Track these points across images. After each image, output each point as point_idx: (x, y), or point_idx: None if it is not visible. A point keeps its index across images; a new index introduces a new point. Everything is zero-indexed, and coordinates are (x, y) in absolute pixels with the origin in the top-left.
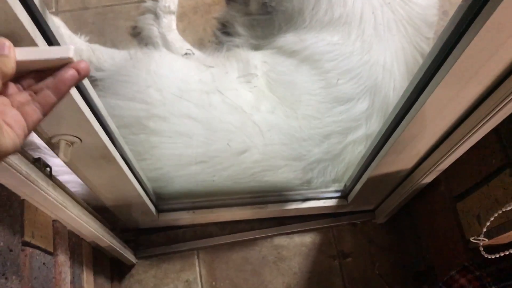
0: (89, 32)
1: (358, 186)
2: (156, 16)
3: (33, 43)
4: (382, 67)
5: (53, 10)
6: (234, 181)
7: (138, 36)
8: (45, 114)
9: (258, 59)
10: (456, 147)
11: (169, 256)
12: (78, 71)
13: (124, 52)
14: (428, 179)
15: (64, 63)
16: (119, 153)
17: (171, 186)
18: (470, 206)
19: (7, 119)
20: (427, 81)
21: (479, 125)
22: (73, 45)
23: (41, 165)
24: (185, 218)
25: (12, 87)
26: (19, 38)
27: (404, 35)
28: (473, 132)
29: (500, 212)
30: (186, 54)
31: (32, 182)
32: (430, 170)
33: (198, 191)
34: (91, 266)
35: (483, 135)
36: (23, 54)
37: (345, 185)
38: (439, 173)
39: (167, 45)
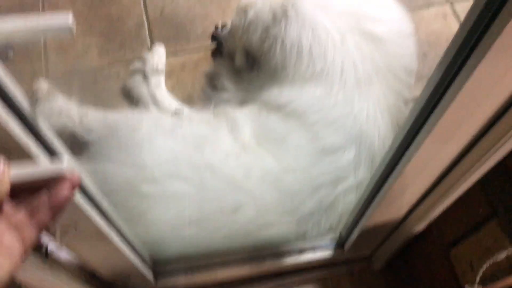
0: (79, 95)
1: (353, 236)
2: (145, 76)
3: (25, 153)
4: (365, 117)
5: (43, 75)
6: (229, 240)
7: (128, 97)
8: (41, 232)
9: (246, 115)
10: (443, 197)
11: None
12: (71, 185)
13: (114, 114)
14: (421, 226)
15: (59, 175)
16: (114, 227)
17: (167, 249)
18: (463, 253)
19: (2, 249)
20: (410, 140)
21: (463, 178)
22: (65, 158)
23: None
24: (183, 281)
25: (7, 205)
26: (13, 152)
27: (385, 84)
28: (457, 184)
29: (491, 261)
30: (176, 111)
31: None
32: (421, 219)
33: (194, 252)
34: None
35: (468, 186)
36: (18, 170)
37: (340, 234)
38: (430, 220)
39: (156, 104)
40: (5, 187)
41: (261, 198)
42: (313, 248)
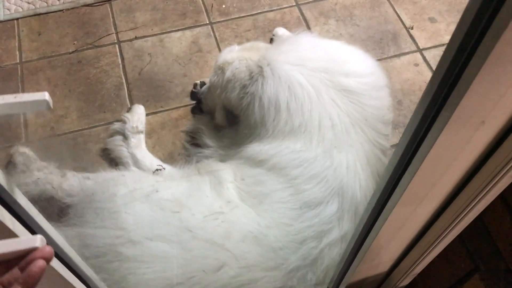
0: (59, 159)
1: None
2: (125, 137)
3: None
4: (346, 168)
5: (23, 140)
6: None
7: (108, 158)
8: None
9: (228, 171)
10: (425, 253)
11: None
12: (45, 258)
13: (94, 175)
14: (406, 282)
15: (32, 251)
16: None
17: None
18: None
19: None
20: (384, 202)
21: (442, 235)
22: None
23: None
24: None
25: None
26: None
27: (363, 136)
28: (438, 240)
29: None
30: (157, 170)
31: None
32: (406, 274)
33: None
34: None
35: (448, 242)
36: None
37: None
38: (414, 275)
39: (137, 164)
40: None
41: (245, 255)
42: None
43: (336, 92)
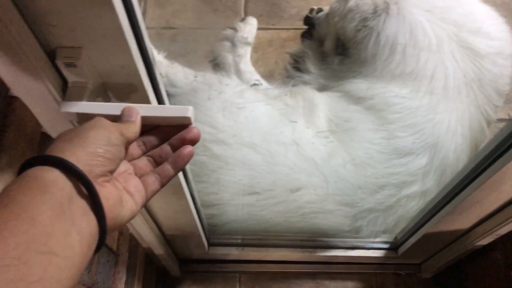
0: (168, 50)
1: (411, 240)
2: (233, 45)
3: (144, 93)
4: (446, 127)
5: None
6: (283, 219)
7: (212, 61)
8: (162, 185)
9: (324, 100)
10: None
11: (212, 275)
12: (193, 140)
13: (201, 74)
14: (484, 242)
15: (182, 122)
16: (188, 185)
17: (223, 215)
18: None
19: (130, 188)
20: (500, 153)
21: None
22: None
23: None
24: (233, 253)
25: (133, 146)
26: (135, 89)
27: (473, 100)
28: None
29: None
30: (254, 84)
31: None
32: (488, 233)
33: (247, 226)
34: (142, 272)
35: None
36: (146, 112)
37: (395, 237)
38: (496, 237)
39: (238, 73)
40: (136, 130)
41: (322, 184)
42: (365, 246)
43: (459, 48)
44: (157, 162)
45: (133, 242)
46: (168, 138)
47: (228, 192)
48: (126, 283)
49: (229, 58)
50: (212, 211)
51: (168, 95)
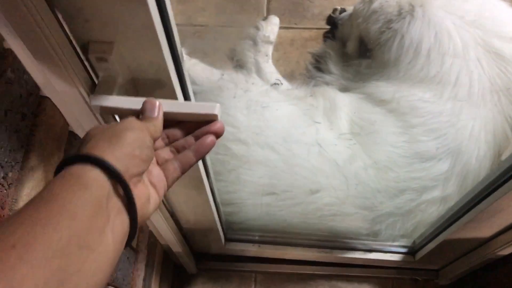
0: (189, 47)
1: (430, 246)
2: (255, 43)
3: (172, 89)
4: (469, 133)
5: None
6: (301, 220)
7: (233, 59)
8: (183, 172)
9: (345, 101)
10: None
11: (228, 273)
12: (217, 133)
13: (227, 73)
14: (506, 251)
15: (208, 119)
16: (208, 181)
17: (241, 214)
18: None
19: (153, 179)
20: None
21: None
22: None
23: None
24: (250, 250)
25: (157, 140)
26: (163, 85)
27: (497, 106)
28: None
29: None
30: (275, 83)
31: None
32: (510, 243)
33: (265, 224)
34: (160, 268)
35: None
36: (173, 108)
37: (414, 242)
38: None
39: (259, 72)
40: (159, 127)
41: (342, 187)
42: (382, 250)
43: (485, 52)
44: (179, 152)
45: (152, 240)
46: (191, 132)
47: (246, 192)
48: (144, 280)
49: (250, 56)
50: (230, 209)
51: None
